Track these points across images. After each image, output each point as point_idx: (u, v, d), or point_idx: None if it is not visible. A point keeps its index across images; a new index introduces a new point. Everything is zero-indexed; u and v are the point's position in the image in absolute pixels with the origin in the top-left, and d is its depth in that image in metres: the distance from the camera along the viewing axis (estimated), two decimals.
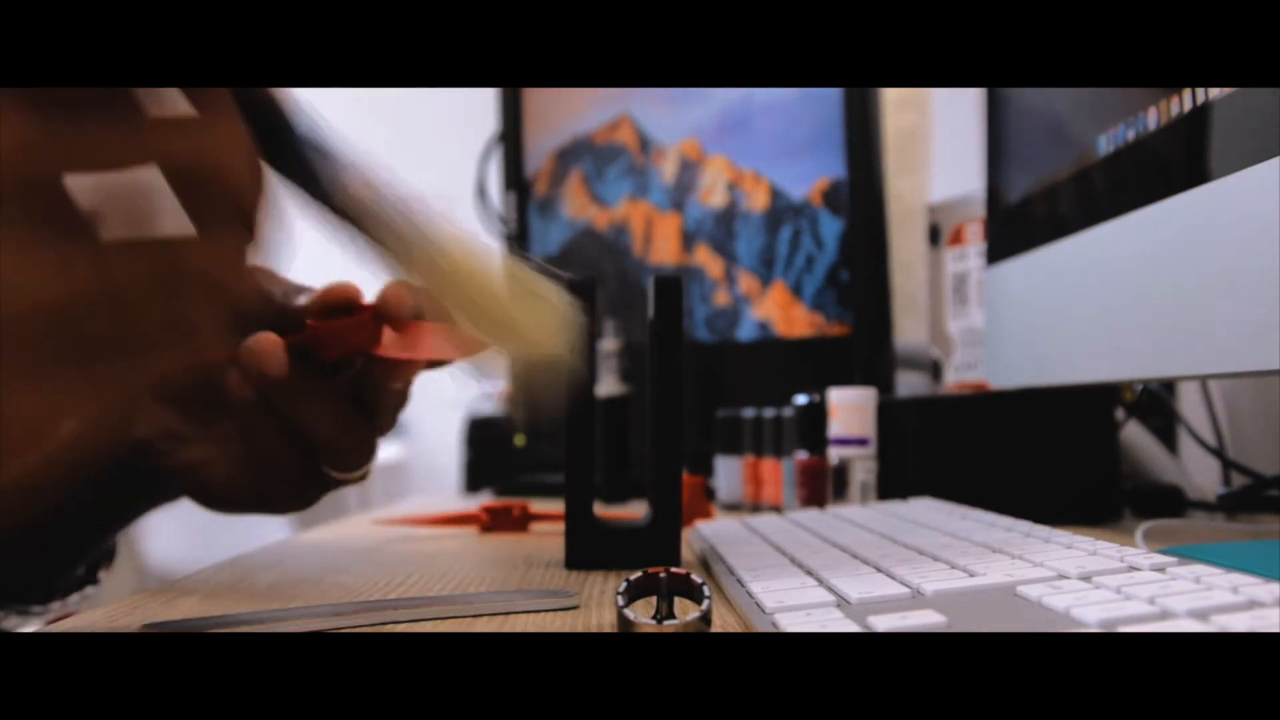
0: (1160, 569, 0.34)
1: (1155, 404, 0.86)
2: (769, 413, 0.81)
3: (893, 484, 0.71)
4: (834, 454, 0.72)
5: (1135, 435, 0.82)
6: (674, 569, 0.36)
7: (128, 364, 0.30)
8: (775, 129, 1.02)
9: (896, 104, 1.12)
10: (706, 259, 1.07)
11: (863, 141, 0.94)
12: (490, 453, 1.16)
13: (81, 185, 0.28)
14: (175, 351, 0.30)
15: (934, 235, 1.01)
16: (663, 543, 0.50)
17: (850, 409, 0.72)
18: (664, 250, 1.11)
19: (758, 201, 1.03)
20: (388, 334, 0.47)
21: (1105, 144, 0.58)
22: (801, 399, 0.76)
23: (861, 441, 0.72)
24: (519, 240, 1.23)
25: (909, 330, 1.09)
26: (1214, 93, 0.48)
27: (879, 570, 0.39)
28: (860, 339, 0.94)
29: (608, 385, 0.95)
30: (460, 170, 1.28)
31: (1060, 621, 0.29)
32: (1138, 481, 0.78)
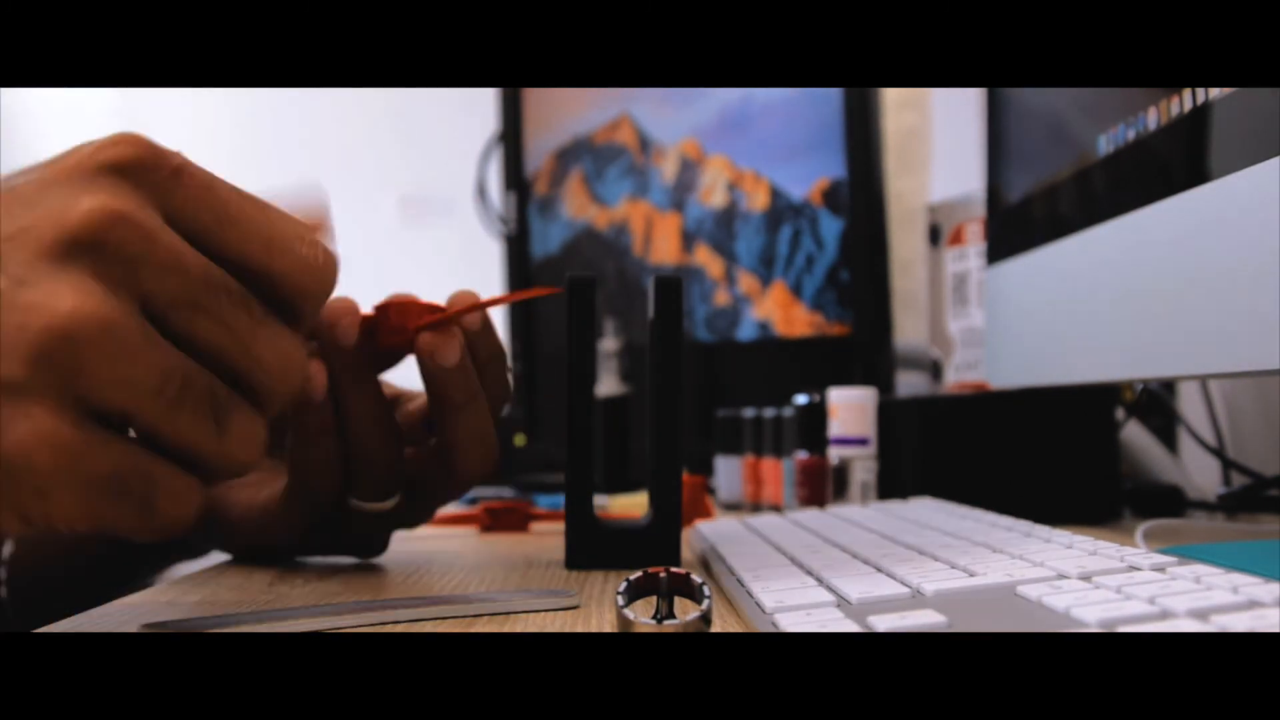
0: (1160, 569, 0.34)
1: (1155, 404, 0.86)
2: (769, 413, 0.81)
3: (893, 484, 0.71)
4: (834, 454, 0.72)
5: (1135, 435, 0.82)
6: (674, 569, 0.36)
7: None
8: (775, 129, 1.02)
9: (896, 104, 1.12)
10: (706, 259, 1.07)
11: (863, 141, 0.94)
12: None
13: None
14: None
15: (934, 235, 1.01)
16: (663, 543, 0.50)
17: (850, 409, 0.72)
18: (664, 250, 1.11)
19: (758, 201, 1.03)
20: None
21: (1105, 144, 0.58)
22: (801, 399, 0.76)
23: (861, 441, 0.72)
24: (519, 240, 1.23)
25: (909, 330, 1.09)
26: (1214, 93, 0.48)
27: (879, 570, 0.39)
28: (860, 339, 0.94)
29: (608, 385, 0.95)
30: (460, 170, 1.28)
31: (1060, 621, 0.29)
32: (1138, 481, 0.78)
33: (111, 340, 0.30)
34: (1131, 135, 0.55)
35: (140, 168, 0.32)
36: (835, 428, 0.72)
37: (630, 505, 0.77)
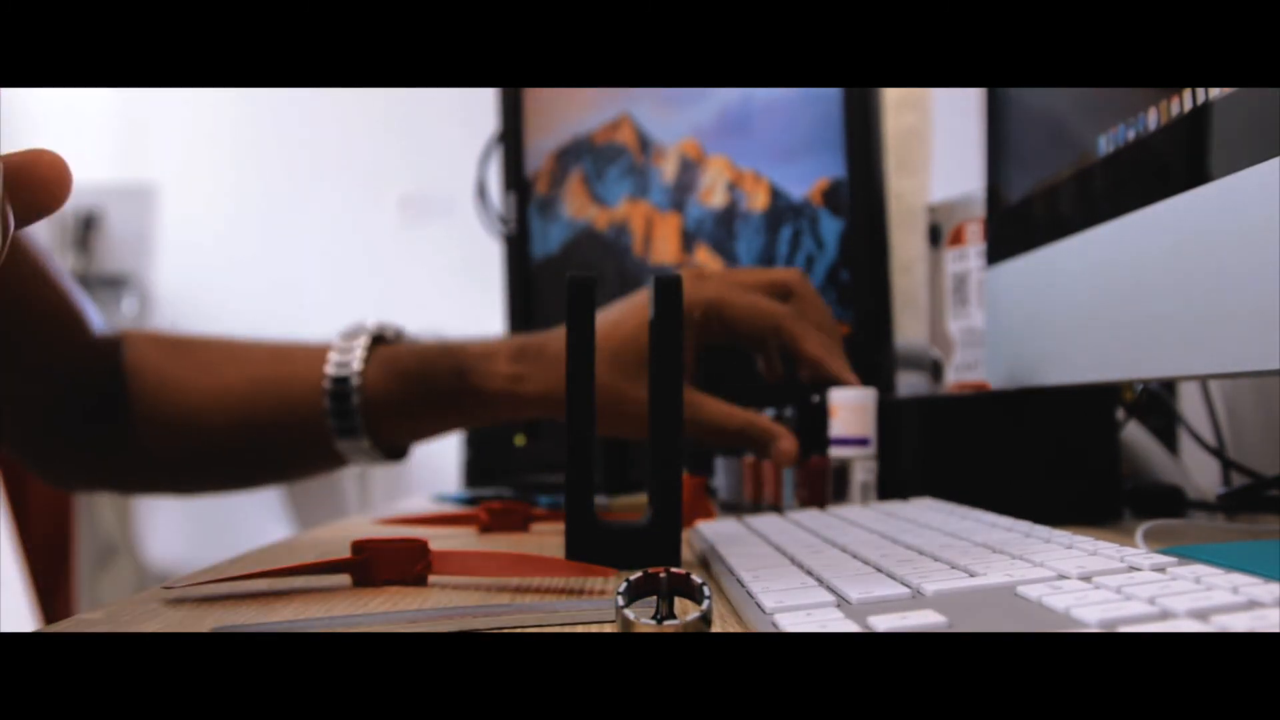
0: (1160, 569, 0.34)
1: (1155, 404, 0.86)
2: (769, 413, 0.81)
3: (893, 484, 0.71)
4: (834, 454, 0.72)
5: (1135, 435, 0.82)
6: (674, 569, 0.36)
7: None
8: (775, 129, 1.02)
9: (896, 104, 1.12)
10: (706, 259, 1.07)
11: (863, 141, 0.94)
12: (490, 451, 1.16)
13: None
14: None
15: (934, 235, 1.01)
16: (663, 543, 0.50)
17: (850, 409, 0.72)
18: (664, 250, 1.11)
19: (758, 201, 1.03)
20: None
21: (1105, 144, 0.58)
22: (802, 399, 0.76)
23: (861, 441, 0.72)
24: (519, 240, 1.23)
25: (909, 330, 1.09)
26: (1214, 93, 0.48)
27: (879, 570, 0.39)
28: (860, 339, 0.94)
29: None
30: (460, 170, 1.28)
31: (1060, 621, 0.29)
32: (1138, 481, 0.78)
33: None
34: (1131, 135, 0.55)
35: None
36: (835, 428, 0.72)
37: (630, 505, 0.77)
